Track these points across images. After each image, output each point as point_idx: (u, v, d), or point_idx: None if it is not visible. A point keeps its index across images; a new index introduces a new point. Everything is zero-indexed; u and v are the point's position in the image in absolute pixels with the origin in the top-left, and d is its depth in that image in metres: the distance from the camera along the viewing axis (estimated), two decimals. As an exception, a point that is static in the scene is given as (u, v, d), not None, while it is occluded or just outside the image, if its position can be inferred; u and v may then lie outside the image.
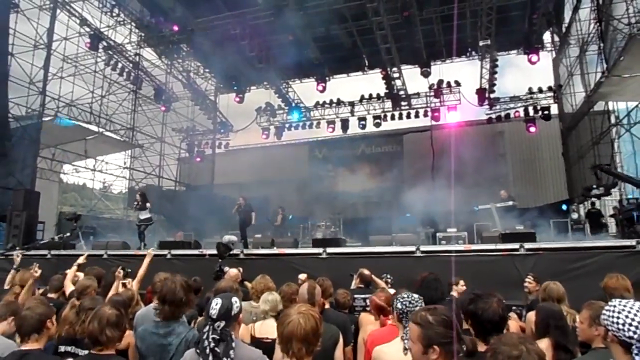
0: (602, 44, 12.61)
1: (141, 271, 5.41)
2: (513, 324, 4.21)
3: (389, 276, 6.32)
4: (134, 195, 13.17)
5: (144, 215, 12.53)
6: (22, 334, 2.93)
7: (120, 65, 20.07)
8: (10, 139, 15.20)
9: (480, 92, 19.12)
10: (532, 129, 19.28)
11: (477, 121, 20.74)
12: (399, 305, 2.95)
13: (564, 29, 17.81)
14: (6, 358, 2.85)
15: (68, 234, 11.55)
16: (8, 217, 13.41)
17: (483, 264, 7.45)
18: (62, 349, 3.38)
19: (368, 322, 4.27)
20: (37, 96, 16.58)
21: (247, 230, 12.70)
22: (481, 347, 2.43)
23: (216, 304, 2.59)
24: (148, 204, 12.56)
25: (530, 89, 19.55)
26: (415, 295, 2.99)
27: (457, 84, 19.97)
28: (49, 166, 19.53)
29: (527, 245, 7.55)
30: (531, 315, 3.82)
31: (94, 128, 21.17)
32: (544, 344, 3.02)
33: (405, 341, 2.61)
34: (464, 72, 22.54)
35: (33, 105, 16.54)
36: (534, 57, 17.10)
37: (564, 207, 16.49)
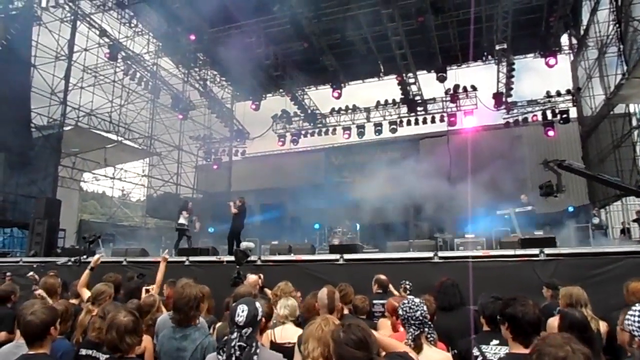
0: (621, 46, 12.39)
1: (159, 276, 5.44)
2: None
3: (407, 282, 6.26)
4: (183, 204, 13.24)
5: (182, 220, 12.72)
6: (26, 340, 2.94)
7: (138, 74, 20.40)
8: (33, 148, 15.55)
9: (497, 96, 18.94)
10: (551, 133, 19.02)
11: (494, 126, 20.52)
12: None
13: (582, 31, 17.58)
14: None
15: (85, 256, 11.70)
16: (31, 224, 13.68)
17: (502, 269, 7.32)
18: (83, 352, 3.42)
19: (383, 327, 4.24)
20: (59, 106, 17.01)
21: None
22: (519, 349, 2.44)
23: (242, 311, 2.58)
24: (184, 212, 12.75)
25: (548, 92, 19.32)
26: (417, 300, 2.96)
27: (474, 88, 19.83)
28: (69, 174, 19.91)
29: (547, 251, 7.39)
30: (552, 321, 3.74)
31: (113, 137, 21.56)
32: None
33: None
34: (480, 76, 22.43)
35: (54, 114, 16.94)
36: (552, 60, 16.90)
37: (571, 209, 16.22)
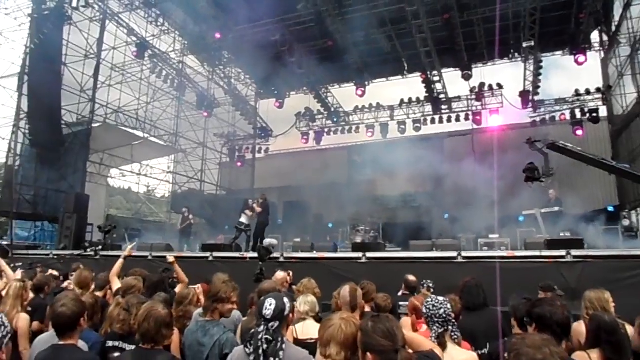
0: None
1: (181, 277, 5.63)
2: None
3: (430, 282, 6.23)
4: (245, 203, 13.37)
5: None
6: (57, 330, 3.04)
7: (164, 72, 20.71)
8: (64, 144, 15.97)
9: (524, 94, 18.58)
10: (579, 132, 18.56)
11: (521, 124, 20.12)
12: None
13: (613, 28, 17.10)
14: (42, 351, 2.99)
15: (99, 247, 11.97)
16: (60, 219, 14.11)
17: (527, 271, 7.20)
18: (109, 344, 3.52)
19: (404, 326, 4.23)
20: (88, 103, 17.40)
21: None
22: None
23: (270, 305, 2.62)
24: (247, 211, 12.84)
25: (577, 90, 18.86)
26: (441, 298, 2.97)
27: (500, 86, 19.51)
28: (97, 170, 20.39)
29: (575, 253, 7.25)
30: (577, 326, 3.67)
31: (139, 134, 21.98)
32: (595, 354, 2.90)
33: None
34: (506, 74, 22.05)
35: (83, 112, 17.35)
36: (581, 58, 16.51)
37: (611, 208, 15.76)
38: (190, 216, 15.60)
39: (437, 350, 2.50)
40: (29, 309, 4.73)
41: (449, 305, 2.91)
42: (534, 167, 10.74)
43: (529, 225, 12.54)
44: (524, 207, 13.09)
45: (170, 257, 5.97)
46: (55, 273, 7.76)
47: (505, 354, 1.82)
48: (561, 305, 2.51)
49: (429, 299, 2.98)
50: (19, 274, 5.92)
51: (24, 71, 15.06)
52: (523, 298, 3.30)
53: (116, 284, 5.17)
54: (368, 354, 2.10)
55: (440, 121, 20.42)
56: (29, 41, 15.17)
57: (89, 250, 11.65)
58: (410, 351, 2.27)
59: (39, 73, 14.94)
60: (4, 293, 4.44)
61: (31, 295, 5.17)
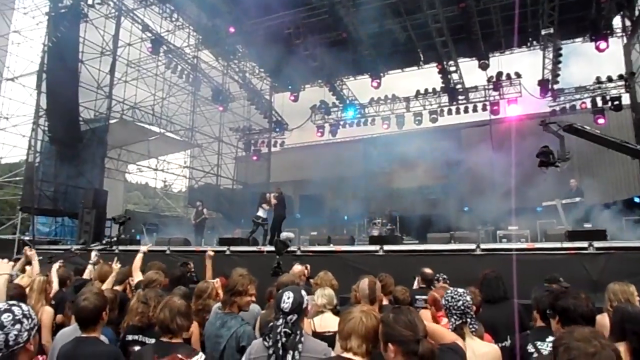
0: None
1: (208, 273, 5.70)
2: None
3: (443, 275, 6.18)
4: (262, 196, 13.41)
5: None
6: (79, 324, 3.12)
7: (179, 68, 20.83)
8: (82, 141, 16.21)
9: (543, 83, 18.24)
10: (601, 121, 18.16)
11: (540, 114, 19.70)
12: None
13: (636, 12, 16.65)
14: (65, 344, 3.07)
15: (115, 238, 12.13)
16: (80, 214, 14.34)
17: (548, 263, 7.10)
18: (129, 337, 3.57)
19: (424, 319, 4.21)
20: (104, 100, 17.61)
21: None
22: None
23: (288, 298, 2.65)
24: (264, 204, 12.91)
25: (598, 78, 18.44)
26: (460, 290, 2.96)
27: (518, 75, 19.19)
28: (115, 166, 20.67)
29: (597, 244, 7.12)
30: (601, 319, 3.60)
31: (155, 129, 22.21)
32: (622, 347, 2.85)
33: None
34: (524, 63, 21.69)
35: (100, 108, 17.59)
36: (603, 44, 16.11)
37: (637, 199, 15.41)
38: (205, 210, 15.71)
39: (460, 342, 2.48)
40: (53, 302, 4.85)
41: (468, 298, 2.89)
42: (548, 150, 10.08)
43: (548, 216, 12.35)
44: (543, 198, 12.91)
45: (210, 252, 6.07)
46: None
47: (559, 349, 1.75)
48: (585, 297, 2.45)
49: (449, 291, 2.97)
50: (55, 267, 6.01)
51: (43, 69, 15.23)
52: (546, 290, 3.24)
53: (138, 277, 5.26)
54: (389, 344, 2.11)
55: (457, 112, 20.19)
56: (46, 39, 15.33)
57: (104, 242, 11.81)
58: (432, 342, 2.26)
59: (56, 71, 15.13)
60: (28, 288, 4.53)
61: (55, 288, 5.29)
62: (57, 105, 15.22)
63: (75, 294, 5.01)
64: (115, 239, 12.10)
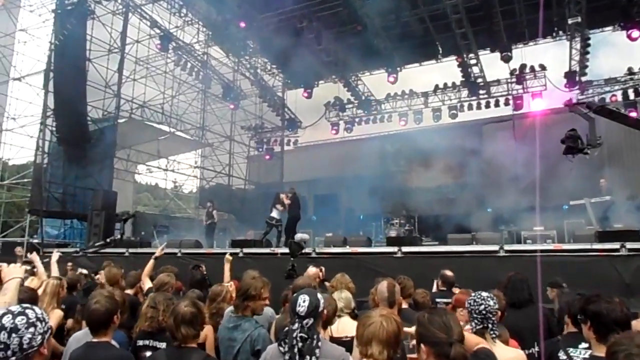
0: None
1: (226, 276, 5.76)
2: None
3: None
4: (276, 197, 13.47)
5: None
6: (91, 328, 3.15)
7: (189, 65, 20.97)
8: (90, 141, 16.38)
9: (570, 75, 17.96)
10: (633, 114, 17.79)
11: (566, 108, 19.53)
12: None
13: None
14: (77, 349, 3.12)
15: (118, 236, 12.24)
16: (89, 216, 14.53)
17: (576, 265, 7.02)
18: (140, 342, 3.62)
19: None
20: (113, 99, 17.76)
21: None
22: (601, 351, 2.28)
23: (304, 301, 2.65)
24: (277, 205, 12.99)
25: (630, 69, 18.11)
26: (484, 294, 2.95)
27: (542, 67, 18.93)
28: (124, 167, 20.91)
29: (630, 245, 7.00)
30: (636, 324, 3.55)
31: (165, 128, 22.42)
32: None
33: None
34: (549, 54, 21.31)
35: (109, 107, 17.76)
36: (635, 33, 15.80)
37: None
38: (214, 212, 15.76)
39: (487, 346, 2.50)
40: (63, 306, 4.93)
41: (491, 302, 2.88)
42: (575, 134, 9.24)
43: (576, 216, 12.17)
44: (571, 197, 12.73)
45: (229, 256, 6.13)
46: (85, 271, 8.03)
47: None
48: (619, 301, 2.39)
49: (473, 294, 2.96)
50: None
51: (50, 68, 15.44)
52: (577, 294, 3.20)
53: (147, 285, 5.32)
54: (422, 345, 2.15)
55: (478, 107, 20.03)
56: (53, 37, 15.53)
57: (107, 240, 11.92)
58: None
59: (63, 69, 15.32)
60: (40, 290, 4.61)
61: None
62: (65, 104, 15.41)
63: (85, 297, 5.12)
64: (118, 237, 12.19)
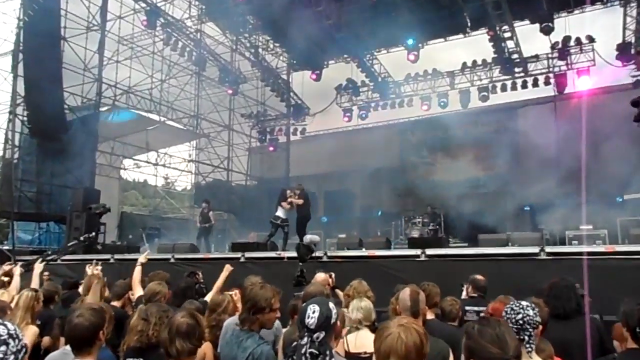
0: None
1: (218, 282, 5.75)
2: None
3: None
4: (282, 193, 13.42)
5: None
6: (72, 345, 3.06)
7: (180, 44, 20.87)
8: (67, 132, 16.26)
9: (624, 48, 17.71)
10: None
11: (619, 86, 19.23)
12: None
13: None
14: None
15: (93, 234, 12.18)
16: (68, 218, 14.54)
17: (632, 270, 6.95)
18: None
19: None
20: (93, 83, 17.72)
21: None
22: None
23: (313, 312, 2.63)
24: (283, 203, 12.93)
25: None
26: (524, 303, 2.91)
27: (591, 39, 18.61)
28: (108, 161, 21.00)
29: (696, 246, 6.92)
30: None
31: (154, 117, 22.49)
32: None
33: None
34: (599, 24, 21.01)
35: (89, 94, 17.72)
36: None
37: None
38: (210, 213, 15.72)
39: None
40: (38, 322, 4.90)
41: (530, 312, 2.84)
42: None
43: (631, 212, 12.03)
44: (625, 190, 12.58)
45: (229, 266, 6.15)
46: None
47: None
48: None
49: (511, 302, 2.92)
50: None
51: (18, 49, 15.27)
52: (638, 303, 3.13)
53: (139, 292, 5.32)
54: None
55: (513, 87, 19.85)
56: (21, 13, 15.28)
57: (81, 239, 11.88)
58: None
59: (35, 50, 15.20)
60: (13, 304, 4.60)
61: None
62: (37, 90, 15.24)
63: (65, 309, 5.11)
64: (93, 234, 12.11)
